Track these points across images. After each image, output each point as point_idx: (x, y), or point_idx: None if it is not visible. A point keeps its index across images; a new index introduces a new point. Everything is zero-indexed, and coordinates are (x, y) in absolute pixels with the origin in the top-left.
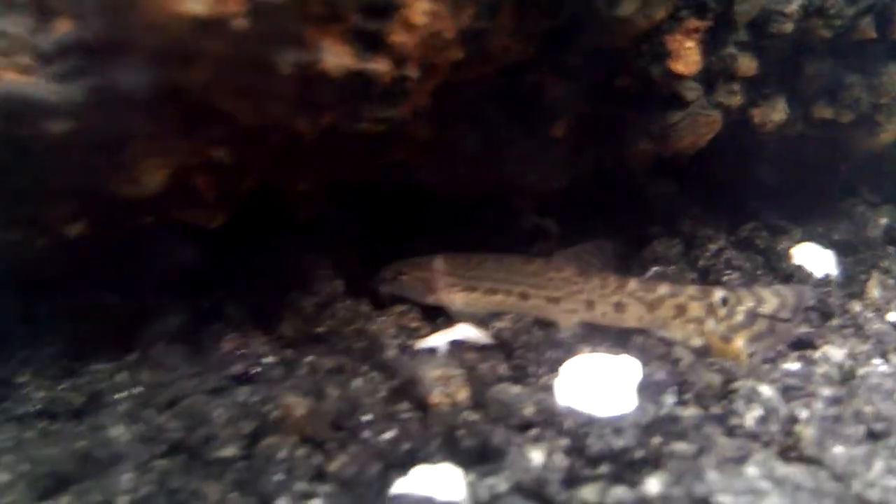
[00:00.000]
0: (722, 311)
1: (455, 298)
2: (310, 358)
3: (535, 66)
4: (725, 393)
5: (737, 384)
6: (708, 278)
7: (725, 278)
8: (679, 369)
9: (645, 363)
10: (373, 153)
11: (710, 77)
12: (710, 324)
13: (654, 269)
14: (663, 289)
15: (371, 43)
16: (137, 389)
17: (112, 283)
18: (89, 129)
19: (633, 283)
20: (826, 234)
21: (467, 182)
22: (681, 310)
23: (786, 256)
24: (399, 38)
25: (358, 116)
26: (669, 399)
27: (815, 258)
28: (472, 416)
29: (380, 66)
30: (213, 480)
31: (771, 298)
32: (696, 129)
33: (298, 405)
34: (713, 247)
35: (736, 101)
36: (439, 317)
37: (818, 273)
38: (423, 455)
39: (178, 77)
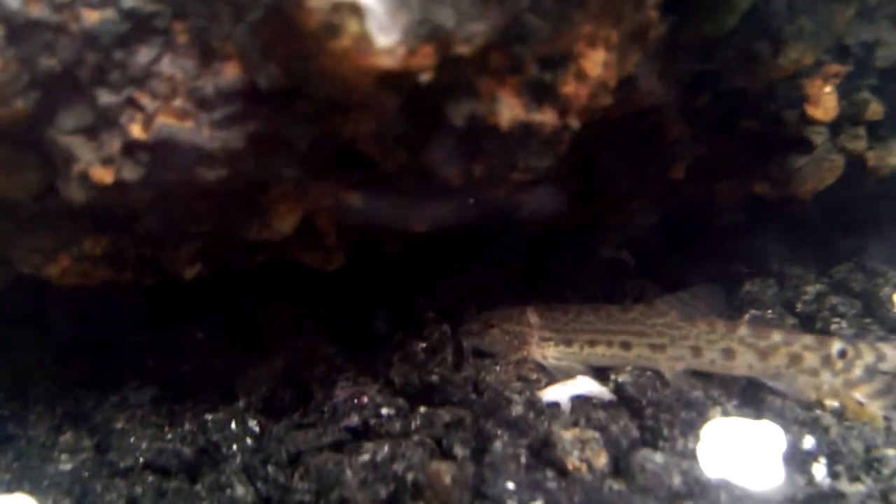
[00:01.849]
0: (839, 364)
1: (549, 353)
2: (423, 409)
3: (661, 108)
4: (870, 462)
5: (879, 452)
6: (814, 326)
7: (834, 327)
8: (829, 437)
9: (785, 429)
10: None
11: (837, 121)
12: (826, 376)
13: (752, 312)
14: (777, 336)
15: (540, 93)
16: (249, 441)
17: (209, 321)
18: (239, 176)
19: (743, 329)
20: None
21: (566, 218)
22: (795, 359)
23: (889, 303)
24: (570, 88)
25: (512, 166)
26: (820, 471)
27: None
28: (616, 485)
29: (546, 117)
30: None
31: (893, 354)
32: (819, 174)
33: (445, 472)
34: (811, 290)
35: (861, 146)
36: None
37: None
38: None
39: (342, 125)
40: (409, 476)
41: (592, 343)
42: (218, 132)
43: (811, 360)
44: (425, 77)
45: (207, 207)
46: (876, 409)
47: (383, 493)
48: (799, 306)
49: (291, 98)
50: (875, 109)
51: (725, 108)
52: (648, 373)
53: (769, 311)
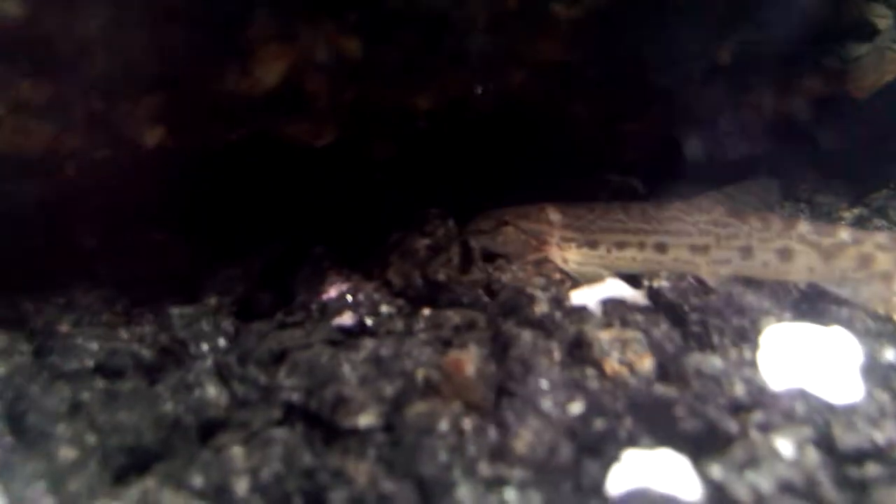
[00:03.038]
0: None
1: (570, 256)
2: (427, 311)
3: None
4: None
5: None
6: None
7: None
8: None
9: (859, 339)
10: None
11: None
12: None
13: None
14: (844, 234)
15: None
16: (223, 341)
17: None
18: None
19: (803, 226)
20: None
21: (578, 118)
22: (865, 261)
23: None
24: None
25: None
26: None
27: None
28: (667, 391)
29: None
30: (356, 457)
31: None
32: (882, 66)
33: (468, 361)
34: (848, 215)
35: None
36: None
37: None
38: (623, 437)
39: None
40: (420, 373)
41: (621, 245)
42: None
43: (885, 262)
44: None
45: (172, 40)
46: None
47: (389, 390)
48: None
49: None
50: None
51: None
52: (690, 278)
53: None
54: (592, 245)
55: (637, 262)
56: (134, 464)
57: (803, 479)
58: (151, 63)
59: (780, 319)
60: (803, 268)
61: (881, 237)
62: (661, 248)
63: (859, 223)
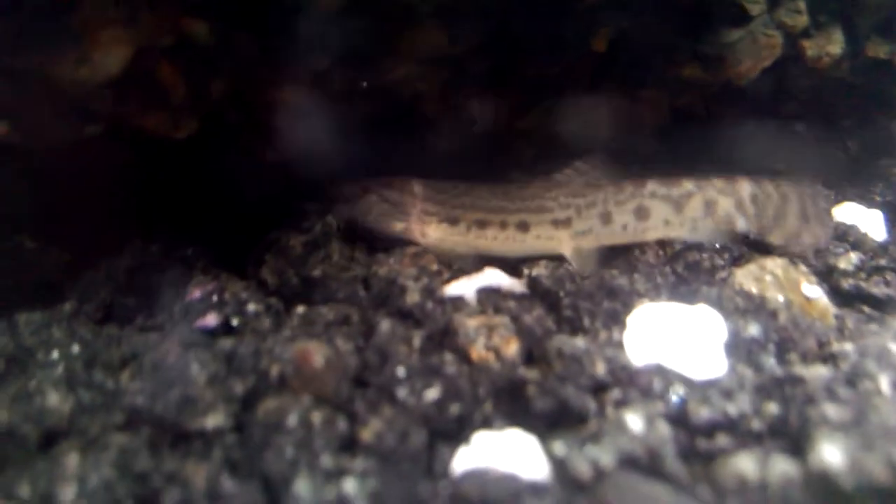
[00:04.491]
0: (752, 210)
1: (430, 231)
2: (301, 309)
3: None
4: (825, 357)
5: (837, 348)
6: None
7: None
8: (777, 323)
9: (725, 318)
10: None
11: None
12: (741, 223)
13: None
14: (689, 184)
15: None
16: (77, 348)
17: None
18: None
19: (652, 183)
20: (864, 195)
21: (473, 113)
22: (710, 206)
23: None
24: None
25: None
26: (769, 360)
27: (862, 219)
28: (530, 374)
29: None
30: (197, 459)
31: (793, 194)
32: (756, 51)
33: (317, 352)
34: None
35: (801, 22)
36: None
37: (873, 235)
38: (478, 420)
39: None
40: (275, 369)
41: (482, 224)
42: None
43: (725, 204)
44: None
45: None
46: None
47: (239, 388)
48: None
49: None
50: None
51: None
52: (567, 265)
53: None
54: (453, 221)
55: (497, 241)
56: None
57: (646, 452)
58: None
59: (653, 301)
60: (660, 222)
61: (719, 182)
62: (524, 226)
63: None
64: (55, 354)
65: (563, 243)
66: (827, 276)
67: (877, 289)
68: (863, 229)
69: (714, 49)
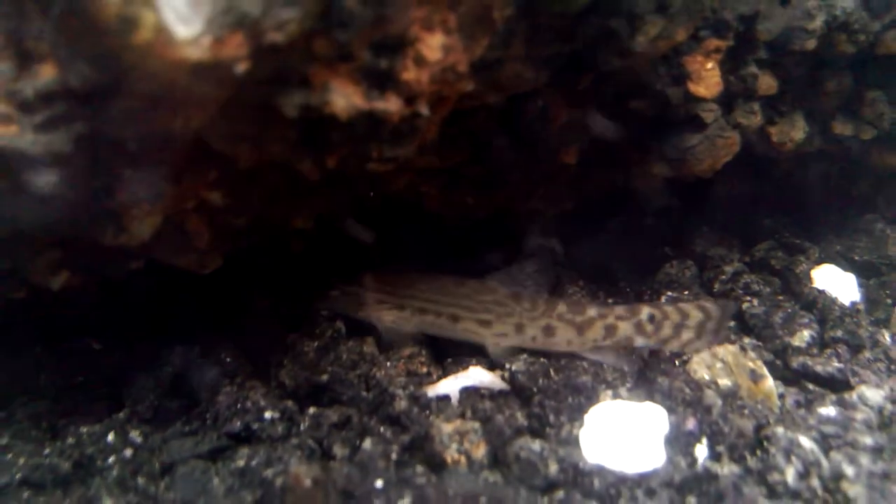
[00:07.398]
0: (650, 328)
1: (383, 316)
2: (312, 410)
3: (544, 91)
4: (759, 441)
5: (770, 431)
6: None
7: (745, 305)
8: (710, 417)
9: (671, 410)
10: (374, 185)
11: (729, 97)
12: (640, 341)
13: (668, 294)
14: (591, 311)
15: (381, 81)
16: (129, 452)
17: (98, 330)
18: (76, 178)
19: (561, 306)
20: (845, 252)
21: (472, 207)
22: (610, 331)
23: (806, 279)
24: (410, 74)
25: (367, 157)
26: (702, 452)
27: (837, 282)
28: (492, 477)
29: (390, 105)
30: None
31: (695, 313)
32: (714, 151)
33: (305, 475)
34: (729, 269)
35: (756, 121)
36: (447, 357)
37: (843, 299)
38: None
39: (172, 123)
40: (279, 481)
41: (423, 311)
42: (42, 135)
43: (625, 328)
44: (241, 67)
45: (54, 213)
46: (773, 386)
47: (249, 499)
48: (716, 286)
49: (113, 97)
50: (768, 83)
51: (613, 90)
52: (542, 359)
53: (686, 293)
54: (400, 308)
55: (435, 326)
56: None
57: None
58: (37, 231)
59: (617, 392)
60: (563, 340)
61: (619, 310)
62: (454, 318)
63: (734, 277)
64: (111, 460)
65: (486, 339)
66: (782, 353)
67: (821, 367)
68: (833, 293)
69: (676, 153)
